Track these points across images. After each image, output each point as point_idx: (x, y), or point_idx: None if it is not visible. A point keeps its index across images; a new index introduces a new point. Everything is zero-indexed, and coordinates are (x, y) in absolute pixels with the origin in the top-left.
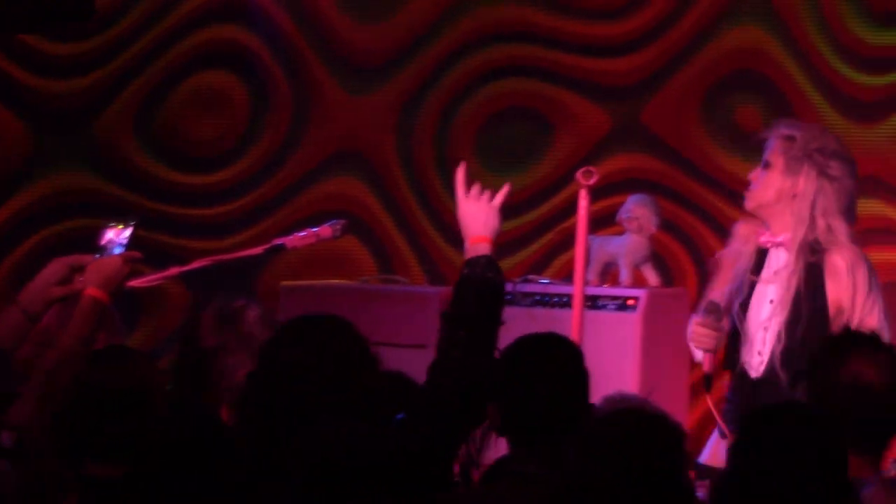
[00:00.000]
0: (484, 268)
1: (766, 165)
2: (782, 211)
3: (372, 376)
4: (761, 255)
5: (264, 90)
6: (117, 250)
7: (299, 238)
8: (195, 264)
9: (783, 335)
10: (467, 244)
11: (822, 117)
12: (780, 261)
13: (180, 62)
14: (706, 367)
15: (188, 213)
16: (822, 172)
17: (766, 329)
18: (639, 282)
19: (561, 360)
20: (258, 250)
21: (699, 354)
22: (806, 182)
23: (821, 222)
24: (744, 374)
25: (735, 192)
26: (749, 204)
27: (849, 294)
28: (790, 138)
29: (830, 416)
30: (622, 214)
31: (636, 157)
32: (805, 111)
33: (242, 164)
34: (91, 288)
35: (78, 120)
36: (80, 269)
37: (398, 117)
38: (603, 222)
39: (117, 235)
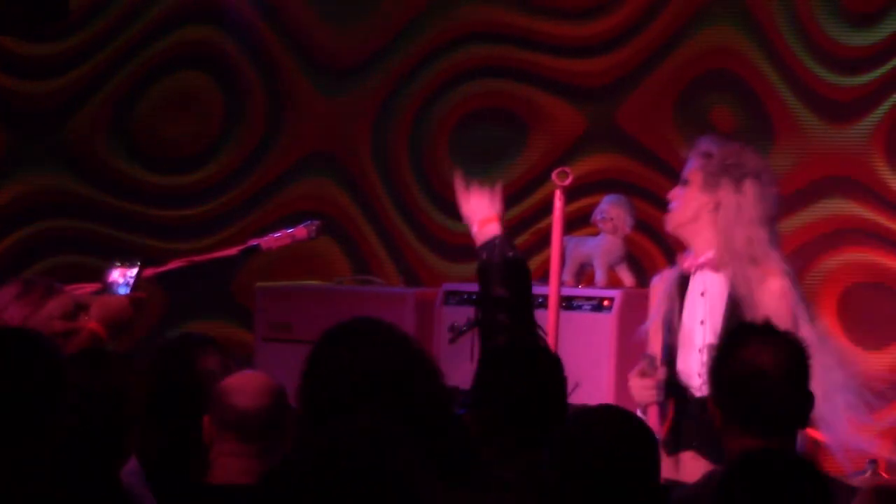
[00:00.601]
0: (501, 247)
1: (684, 183)
2: (702, 228)
3: (419, 379)
4: (684, 280)
5: (239, 91)
6: (122, 290)
7: (275, 239)
8: (171, 265)
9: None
10: (475, 229)
11: (796, 117)
12: (704, 282)
13: (155, 63)
14: (652, 424)
15: (162, 214)
16: (737, 189)
17: (700, 351)
18: (614, 282)
19: (540, 368)
20: (233, 251)
21: (639, 412)
22: (726, 195)
23: (741, 233)
24: (686, 397)
25: None
26: (669, 226)
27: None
28: (708, 155)
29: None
30: (597, 215)
31: (611, 157)
32: (779, 112)
33: (217, 165)
34: (93, 322)
35: (53, 121)
36: (85, 308)
37: (373, 118)
38: (578, 223)
39: (122, 275)
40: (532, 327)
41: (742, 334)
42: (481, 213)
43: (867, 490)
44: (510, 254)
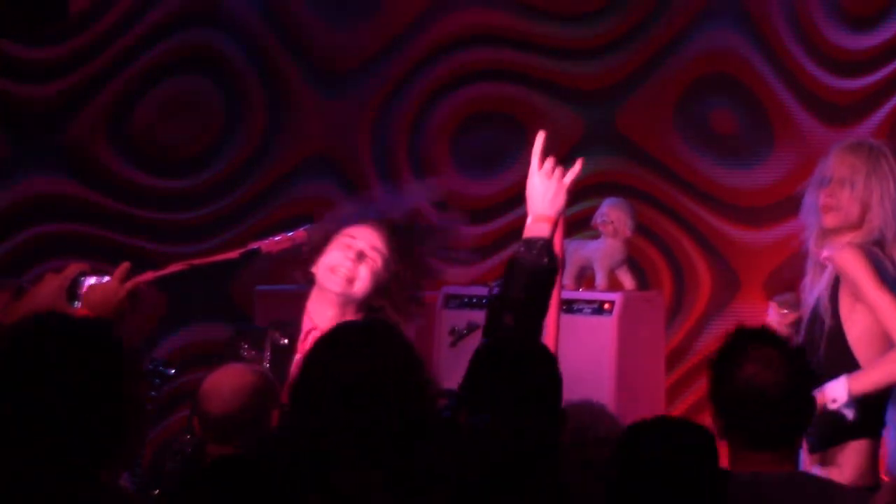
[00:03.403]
0: (539, 251)
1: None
2: None
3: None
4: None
5: (239, 94)
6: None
7: (274, 242)
8: (171, 268)
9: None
10: (529, 220)
11: (795, 120)
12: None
13: (155, 66)
14: None
15: (163, 218)
16: None
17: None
18: (614, 285)
19: (532, 365)
20: (233, 254)
21: None
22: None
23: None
24: None
25: (709, 195)
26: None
27: (857, 291)
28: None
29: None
30: (597, 218)
31: (611, 160)
32: (779, 114)
33: (217, 168)
34: (84, 310)
35: (52, 124)
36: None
37: (372, 121)
38: (578, 226)
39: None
40: (536, 335)
41: (740, 346)
42: (541, 206)
43: (889, 486)
44: (545, 261)
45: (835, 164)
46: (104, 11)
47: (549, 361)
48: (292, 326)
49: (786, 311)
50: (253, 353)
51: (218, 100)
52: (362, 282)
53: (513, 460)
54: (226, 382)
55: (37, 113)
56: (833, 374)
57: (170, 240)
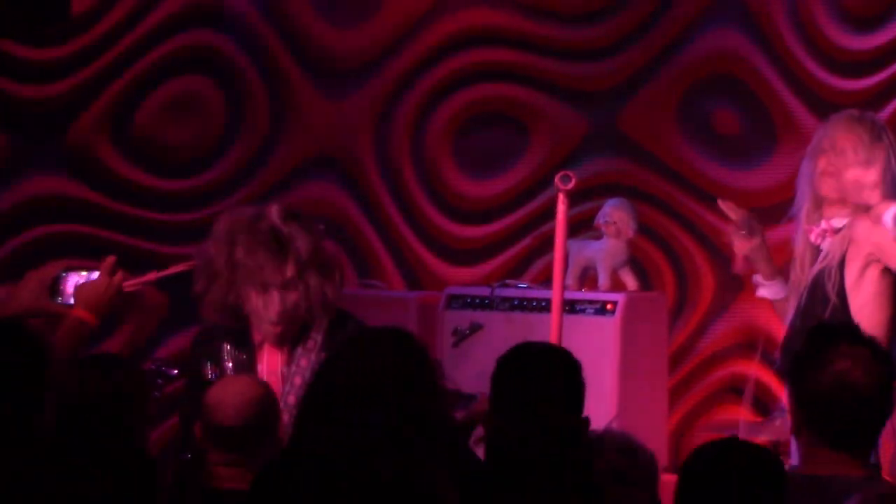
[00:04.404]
0: None
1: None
2: None
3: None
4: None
5: (240, 94)
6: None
7: None
8: (173, 269)
9: None
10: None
11: (798, 121)
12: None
13: (156, 67)
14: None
15: (165, 218)
16: None
17: None
18: (617, 286)
19: (555, 372)
20: None
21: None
22: None
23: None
24: None
25: (711, 196)
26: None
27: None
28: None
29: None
30: (600, 219)
31: (613, 161)
32: (782, 115)
33: (219, 168)
34: (78, 309)
35: (54, 125)
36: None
37: (375, 121)
38: (581, 226)
39: (80, 278)
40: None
41: (828, 342)
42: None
43: (870, 497)
44: None
45: (837, 133)
46: (106, 12)
47: (569, 369)
48: (241, 337)
49: (744, 232)
50: (217, 371)
51: (219, 100)
52: (296, 313)
53: (517, 462)
54: (230, 393)
55: (39, 113)
56: None
57: (172, 240)
